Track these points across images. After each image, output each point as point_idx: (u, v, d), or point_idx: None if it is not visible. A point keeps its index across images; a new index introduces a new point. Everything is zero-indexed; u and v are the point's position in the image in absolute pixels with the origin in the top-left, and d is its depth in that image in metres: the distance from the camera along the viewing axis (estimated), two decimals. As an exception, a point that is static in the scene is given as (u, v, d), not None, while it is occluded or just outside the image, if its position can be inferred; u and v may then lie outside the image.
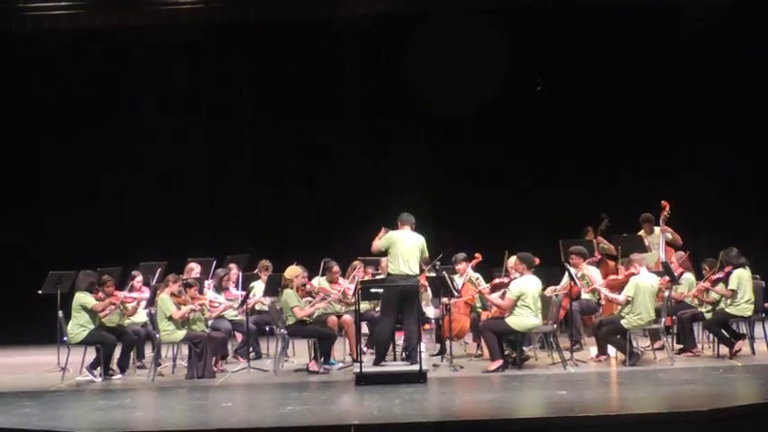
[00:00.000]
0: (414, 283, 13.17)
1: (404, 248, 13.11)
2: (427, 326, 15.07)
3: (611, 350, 13.49)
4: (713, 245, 14.77)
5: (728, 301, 13.39)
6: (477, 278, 14.55)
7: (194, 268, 15.07)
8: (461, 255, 14.66)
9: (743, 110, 18.52)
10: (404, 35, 18.85)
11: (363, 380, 12.28)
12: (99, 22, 18.39)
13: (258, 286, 14.79)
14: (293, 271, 13.77)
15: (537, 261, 13.83)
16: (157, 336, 13.54)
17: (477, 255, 14.71)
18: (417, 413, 10.49)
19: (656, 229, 15.78)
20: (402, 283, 13.04)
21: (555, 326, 13.43)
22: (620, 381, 12.31)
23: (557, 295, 13.81)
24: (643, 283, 13.19)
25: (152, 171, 19.10)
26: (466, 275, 14.42)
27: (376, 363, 12.98)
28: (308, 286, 13.91)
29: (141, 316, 14.36)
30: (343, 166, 18.86)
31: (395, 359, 13.44)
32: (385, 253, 13.38)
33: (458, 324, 14.09)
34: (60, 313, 14.06)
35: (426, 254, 13.45)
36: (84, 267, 14.36)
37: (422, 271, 14.57)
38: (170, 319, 13.39)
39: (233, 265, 15.46)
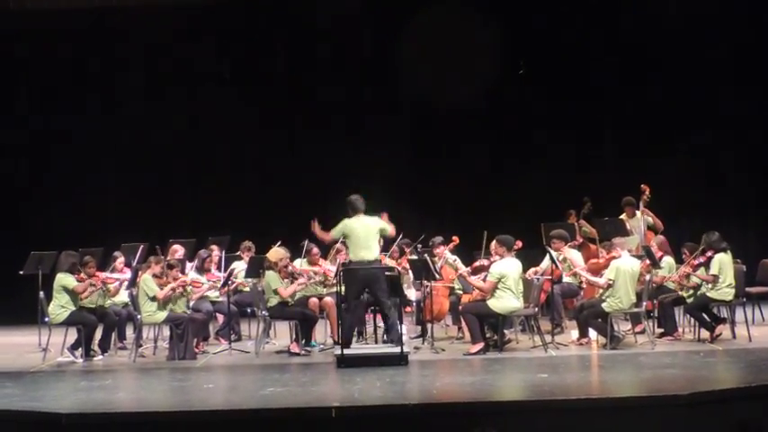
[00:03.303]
0: (376, 266, 12.98)
1: (361, 235, 12.91)
2: (408, 308, 15.08)
3: (593, 333, 13.50)
4: (695, 228, 14.82)
5: (710, 286, 13.40)
6: (455, 260, 14.55)
7: (178, 250, 15.08)
8: (438, 238, 14.64)
9: (723, 93, 18.52)
10: (383, 17, 18.84)
11: (344, 362, 12.25)
12: (81, 2, 18.31)
13: (240, 267, 14.77)
14: (277, 254, 13.74)
15: (519, 244, 13.83)
16: (139, 317, 13.51)
17: (454, 238, 14.71)
18: (398, 395, 10.51)
19: (638, 212, 15.80)
20: (363, 269, 12.85)
21: (536, 309, 13.45)
22: (600, 364, 12.31)
23: (538, 278, 13.83)
24: (624, 266, 13.20)
25: (134, 152, 19.01)
26: (443, 259, 14.41)
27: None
28: (290, 268, 13.89)
29: (123, 297, 14.34)
30: (323, 148, 18.81)
31: (376, 341, 13.45)
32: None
33: (436, 306, 14.08)
34: (41, 294, 14.01)
35: (388, 231, 13.23)
36: (66, 248, 14.32)
37: (403, 254, 14.58)
38: (153, 299, 13.36)
39: (215, 247, 15.42)
